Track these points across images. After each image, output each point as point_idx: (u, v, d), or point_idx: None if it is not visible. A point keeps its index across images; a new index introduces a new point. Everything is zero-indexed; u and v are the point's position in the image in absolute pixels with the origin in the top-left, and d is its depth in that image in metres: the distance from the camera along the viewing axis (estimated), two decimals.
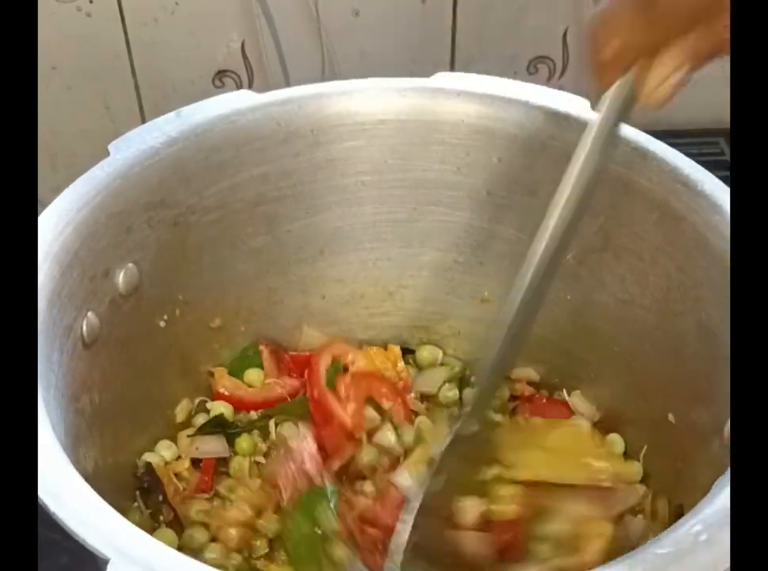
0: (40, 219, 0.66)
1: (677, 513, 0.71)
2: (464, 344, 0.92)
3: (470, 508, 0.72)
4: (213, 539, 0.76)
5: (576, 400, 0.85)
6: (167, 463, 0.81)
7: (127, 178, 0.72)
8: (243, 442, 0.82)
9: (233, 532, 0.75)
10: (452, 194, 0.83)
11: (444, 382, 0.89)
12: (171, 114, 0.76)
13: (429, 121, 0.80)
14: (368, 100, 0.80)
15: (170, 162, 0.74)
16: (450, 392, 0.88)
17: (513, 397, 0.88)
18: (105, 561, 0.48)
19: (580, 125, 0.75)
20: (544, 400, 0.86)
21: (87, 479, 0.53)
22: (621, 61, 0.61)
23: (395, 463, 0.80)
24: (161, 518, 0.77)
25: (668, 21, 0.58)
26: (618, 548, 0.74)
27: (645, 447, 0.80)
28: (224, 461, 0.82)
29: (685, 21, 0.58)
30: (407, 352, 0.92)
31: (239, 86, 1.20)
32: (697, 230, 0.70)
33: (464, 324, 0.91)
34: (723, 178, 0.71)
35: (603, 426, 0.84)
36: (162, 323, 0.78)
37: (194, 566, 0.49)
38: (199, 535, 0.76)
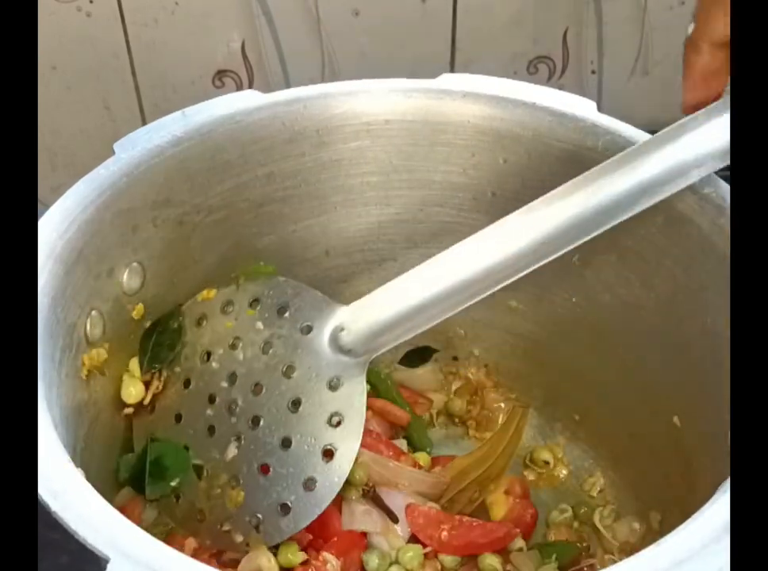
0: (44, 217, 0.66)
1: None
2: (470, 346, 0.93)
3: None
4: None
5: None
6: None
7: (132, 176, 0.71)
8: None
9: None
10: (458, 195, 0.83)
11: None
12: (177, 113, 0.76)
13: (435, 122, 0.80)
14: (374, 100, 0.79)
15: (176, 161, 0.74)
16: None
17: None
18: (106, 561, 0.48)
19: (587, 127, 0.76)
20: None
21: (89, 479, 0.53)
22: None
23: None
24: None
25: None
26: None
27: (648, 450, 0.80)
28: None
29: None
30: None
31: (239, 86, 1.20)
32: (703, 233, 0.70)
33: (470, 326, 0.91)
34: (723, 178, 0.70)
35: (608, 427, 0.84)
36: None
37: (195, 566, 0.49)
38: None
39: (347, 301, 0.89)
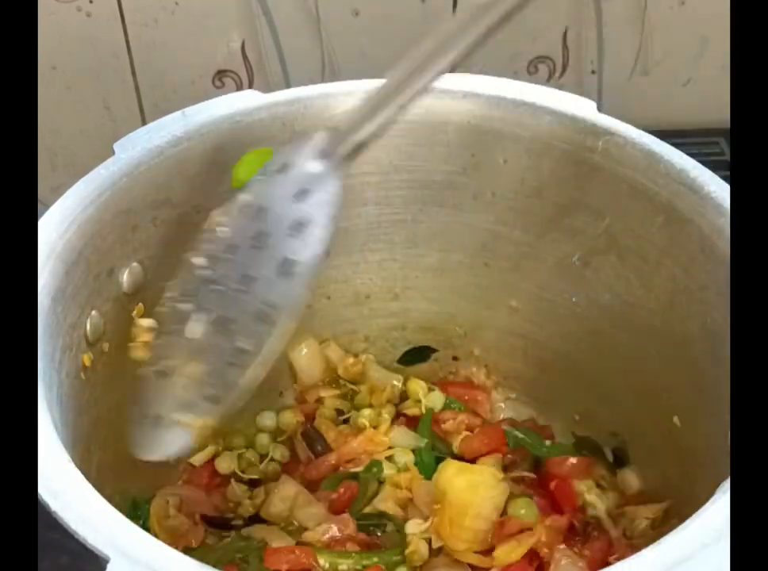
0: (44, 217, 0.66)
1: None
2: (471, 345, 0.93)
3: None
4: None
5: None
6: None
7: (132, 176, 0.71)
8: None
9: None
10: (457, 195, 0.83)
11: None
12: (177, 114, 0.76)
13: (435, 122, 0.80)
14: None
15: (176, 161, 0.74)
16: None
17: None
18: (106, 561, 0.48)
19: (587, 127, 0.76)
20: None
21: (90, 479, 0.53)
22: None
23: None
24: None
25: None
26: None
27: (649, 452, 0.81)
28: None
29: None
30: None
31: (239, 86, 1.20)
32: (703, 233, 0.70)
33: (470, 325, 0.91)
34: (723, 178, 0.71)
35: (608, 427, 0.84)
36: None
37: (194, 566, 0.49)
38: None
39: (347, 302, 0.90)
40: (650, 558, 0.49)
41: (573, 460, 0.82)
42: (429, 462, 0.84)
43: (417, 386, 0.90)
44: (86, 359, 0.69)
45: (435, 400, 0.89)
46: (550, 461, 0.83)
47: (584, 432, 0.86)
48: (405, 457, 0.84)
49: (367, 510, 0.80)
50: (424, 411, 0.88)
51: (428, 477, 0.81)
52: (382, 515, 0.80)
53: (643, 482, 0.81)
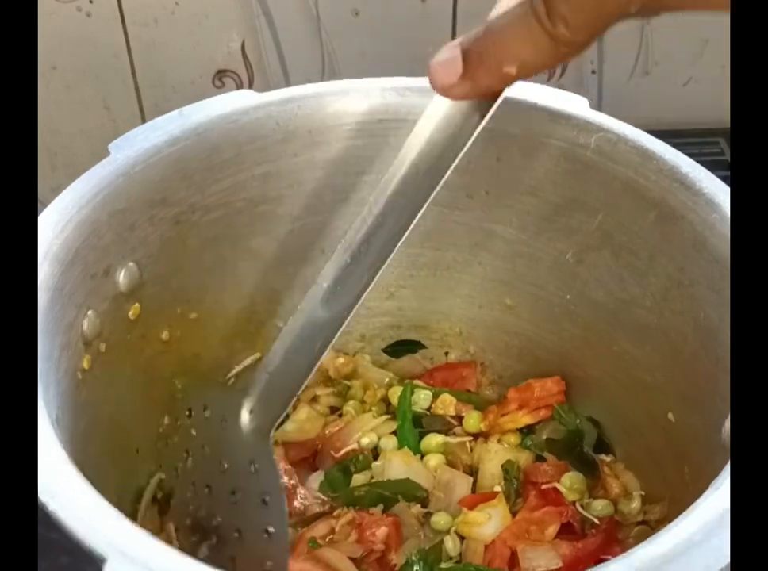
0: (41, 217, 0.66)
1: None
2: (466, 344, 0.93)
3: None
4: None
5: None
6: None
7: (129, 176, 0.71)
8: None
9: None
10: (451, 194, 0.82)
11: None
12: (173, 113, 0.76)
13: None
14: (368, 100, 0.79)
15: (172, 160, 0.74)
16: None
17: None
18: (103, 560, 0.48)
19: (580, 124, 0.76)
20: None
21: (88, 478, 0.53)
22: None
23: None
24: None
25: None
26: None
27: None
28: None
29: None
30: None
31: (239, 86, 1.20)
32: (695, 229, 0.70)
33: (465, 324, 0.91)
34: (723, 178, 0.71)
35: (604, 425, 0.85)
36: (162, 323, 0.78)
37: (193, 566, 0.49)
38: None
39: None
40: (646, 552, 0.49)
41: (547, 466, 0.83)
42: (409, 436, 0.86)
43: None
44: (84, 359, 0.69)
45: (422, 401, 0.89)
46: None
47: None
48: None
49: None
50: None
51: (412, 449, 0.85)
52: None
53: (639, 480, 0.81)
